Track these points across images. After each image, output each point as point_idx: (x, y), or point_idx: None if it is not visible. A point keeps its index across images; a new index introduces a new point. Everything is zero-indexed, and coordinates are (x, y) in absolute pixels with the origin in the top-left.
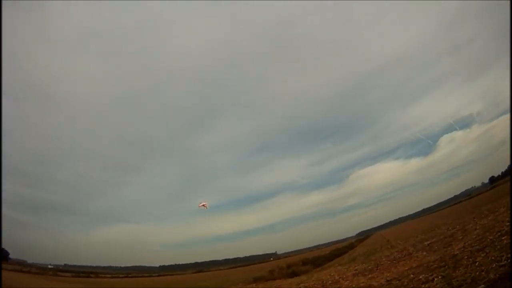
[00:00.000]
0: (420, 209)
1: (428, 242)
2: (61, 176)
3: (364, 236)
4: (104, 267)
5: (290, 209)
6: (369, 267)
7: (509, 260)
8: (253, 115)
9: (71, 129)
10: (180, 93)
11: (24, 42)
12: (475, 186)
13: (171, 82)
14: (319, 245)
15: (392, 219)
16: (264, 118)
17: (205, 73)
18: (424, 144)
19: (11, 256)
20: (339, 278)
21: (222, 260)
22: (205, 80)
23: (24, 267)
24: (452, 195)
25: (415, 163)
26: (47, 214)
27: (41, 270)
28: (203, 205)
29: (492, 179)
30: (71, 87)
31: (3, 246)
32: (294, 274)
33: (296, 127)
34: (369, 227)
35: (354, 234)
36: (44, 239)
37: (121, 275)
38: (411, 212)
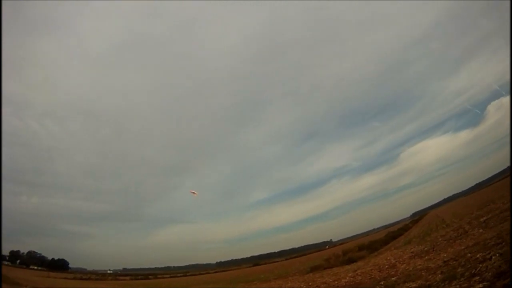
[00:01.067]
0: (473, 183)
1: (484, 218)
2: (115, 186)
3: (418, 216)
4: (162, 268)
5: (343, 194)
6: (425, 249)
7: None
8: (297, 104)
9: (119, 140)
10: (223, 92)
11: (62, 64)
12: None
13: (212, 82)
14: (374, 229)
15: (446, 196)
16: (308, 105)
17: (244, 69)
18: (471, 114)
19: (71, 265)
20: (396, 261)
21: (278, 252)
22: (245, 75)
23: (84, 274)
24: (506, 166)
25: (465, 135)
26: (104, 224)
27: (101, 276)
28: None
29: None
30: (113, 100)
31: (63, 257)
32: (351, 261)
33: (341, 110)
34: (423, 207)
35: (408, 215)
36: (102, 247)
37: (179, 275)
38: (465, 188)
